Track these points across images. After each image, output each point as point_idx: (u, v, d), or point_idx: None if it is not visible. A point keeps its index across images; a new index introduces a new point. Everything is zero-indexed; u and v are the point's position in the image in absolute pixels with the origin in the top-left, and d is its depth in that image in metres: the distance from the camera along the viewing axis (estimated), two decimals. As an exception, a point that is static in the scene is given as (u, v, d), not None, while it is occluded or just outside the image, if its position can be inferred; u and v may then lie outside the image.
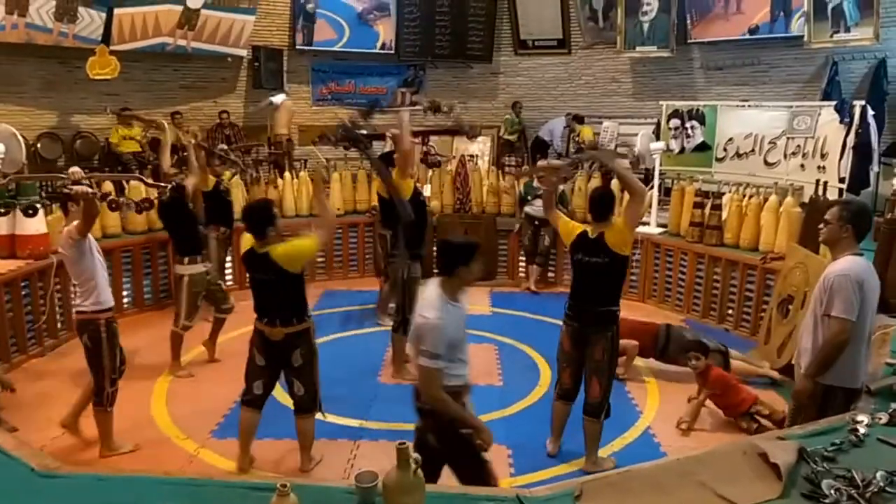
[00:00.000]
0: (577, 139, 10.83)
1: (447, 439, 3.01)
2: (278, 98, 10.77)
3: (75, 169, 4.55)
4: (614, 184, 6.83)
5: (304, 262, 3.90)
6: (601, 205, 4.13)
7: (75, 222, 4.15)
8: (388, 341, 5.93)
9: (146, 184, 6.43)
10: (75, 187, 4.09)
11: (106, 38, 9.53)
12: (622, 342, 5.47)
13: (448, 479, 3.06)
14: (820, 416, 3.27)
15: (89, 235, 4.21)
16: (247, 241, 3.95)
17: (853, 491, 2.33)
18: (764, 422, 4.74)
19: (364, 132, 6.19)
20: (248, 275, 4.17)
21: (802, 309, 4.98)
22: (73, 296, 4.45)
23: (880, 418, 2.92)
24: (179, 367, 5.74)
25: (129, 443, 4.48)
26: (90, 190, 4.10)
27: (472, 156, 11.05)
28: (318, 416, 4.21)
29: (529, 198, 8.10)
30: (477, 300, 7.90)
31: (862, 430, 2.78)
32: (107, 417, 4.35)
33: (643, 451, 4.43)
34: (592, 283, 4.11)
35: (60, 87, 9.96)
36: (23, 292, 5.81)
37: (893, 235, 4.88)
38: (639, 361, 5.80)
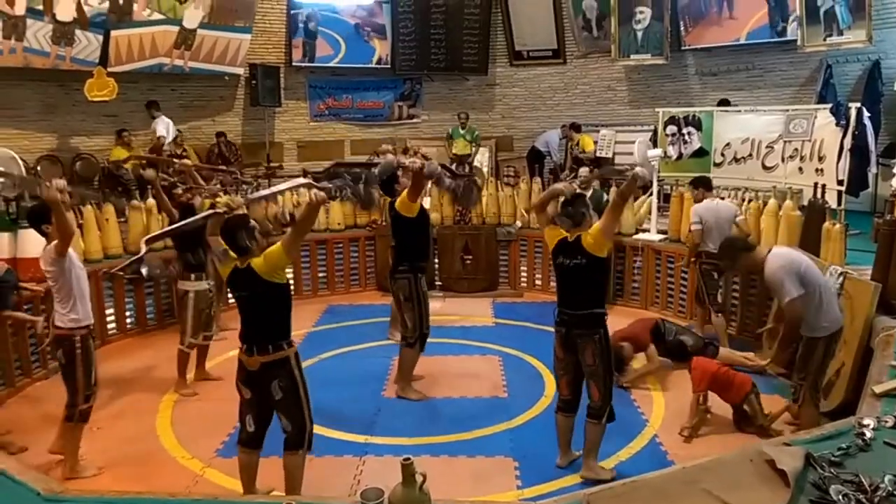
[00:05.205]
0: (576, 148, 10.84)
1: None
2: None
3: (59, 182, 4.41)
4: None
5: (282, 268, 3.67)
6: (574, 209, 4.17)
7: (55, 242, 4.17)
8: (392, 355, 5.91)
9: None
10: (48, 192, 3.98)
11: (103, 60, 9.59)
12: (652, 350, 5.71)
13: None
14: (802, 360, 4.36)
15: (72, 253, 4.25)
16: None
17: (861, 496, 2.33)
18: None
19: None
20: (233, 297, 3.96)
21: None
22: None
23: (886, 421, 2.92)
24: (185, 385, 5.73)
25: (94, 467, 4.42)
26: (59, 192, 3.99)
27: (471, 167, 11.10)
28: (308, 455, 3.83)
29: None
30: (479, 311, 7.91)
31: (868, 434, 2.78)
32: (75, 435, 4.34)
33: (650, 460, 4.41)
34: (574, 285, 4.17)
35: (59, 109, 10.01)
36: (28, 313, 5.79)
37: (893, 237, 4.87)
38: (639, 364, 5.82)
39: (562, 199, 4.27)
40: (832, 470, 2.51)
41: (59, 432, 4.49)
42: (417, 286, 5.45)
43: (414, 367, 5.61)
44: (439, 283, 8.56)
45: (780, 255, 4.28)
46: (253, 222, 3.87)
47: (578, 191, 4.36)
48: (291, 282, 4.08)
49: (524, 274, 8.69)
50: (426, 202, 8.43)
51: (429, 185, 6.33)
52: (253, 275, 3.63)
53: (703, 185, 6.60)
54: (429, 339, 5.58)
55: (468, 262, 8.55)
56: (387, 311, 7.04)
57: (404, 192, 5.35)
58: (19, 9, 8.76)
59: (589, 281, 4.15)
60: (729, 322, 6.63)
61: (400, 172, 5.50)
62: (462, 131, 11.16)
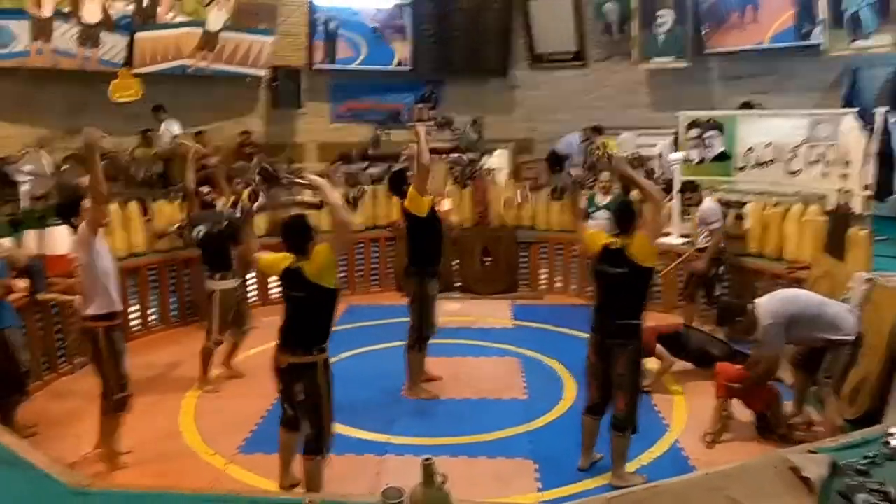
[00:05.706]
0: (598, 151, 10.75)
1: None
2: None
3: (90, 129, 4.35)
4: (633, 194, 6.81)
5: (329, 267, 3.69)
6: (623, 217, 4.14)
7: (86, 219, 4.19)
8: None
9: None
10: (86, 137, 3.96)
11: (128, 62, 9.72)
12: (661, 350, 5.58)
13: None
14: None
15: (104, 243, 4.28)
16: (276, 259, 3.88)
17: (888, 505, 2.30)
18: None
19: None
20: (283, 294, 4.01)
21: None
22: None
23: (913, 430, 2.88)
24: (207, 381, 5.79)
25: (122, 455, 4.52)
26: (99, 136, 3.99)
27: (490, 169, 11.08)
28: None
29: (592, 210, 7.61)
30: (499, 313, 7.90)
31: (895, 443, 2.74)
32: (112, 425, 4.41)
33: (671, 466, 4.38)
34: (614, 294, 4.12)
35: (86, 109, 10.15)
36: (53, 310, 5.91)
37: (920, 243, 4.82)
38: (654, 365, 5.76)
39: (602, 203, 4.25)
40: (858, 478, 2.49)
41: (99, 428, 4.54)
42: (424, 288, 5.44)
43: (420, 368, 5.61)
44: (459, 284, 8.57)
45: (767, 309, 4.44)
46: (312, 223, 3.88)
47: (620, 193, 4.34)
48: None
49: (544, 276, 8.68)
50: (445, 204, 8.45)
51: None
52: (300, 276, 3.67)
53: (698, 187, 7.05)
54: (448, 341, 5.60)
55: (488, 263, 8.55)
56: (406, 311, 7.06)
57: (412, 189, 5.34)
58: (47, 11, 8.93)
59: (631, 290, 4.09)
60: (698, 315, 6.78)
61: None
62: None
